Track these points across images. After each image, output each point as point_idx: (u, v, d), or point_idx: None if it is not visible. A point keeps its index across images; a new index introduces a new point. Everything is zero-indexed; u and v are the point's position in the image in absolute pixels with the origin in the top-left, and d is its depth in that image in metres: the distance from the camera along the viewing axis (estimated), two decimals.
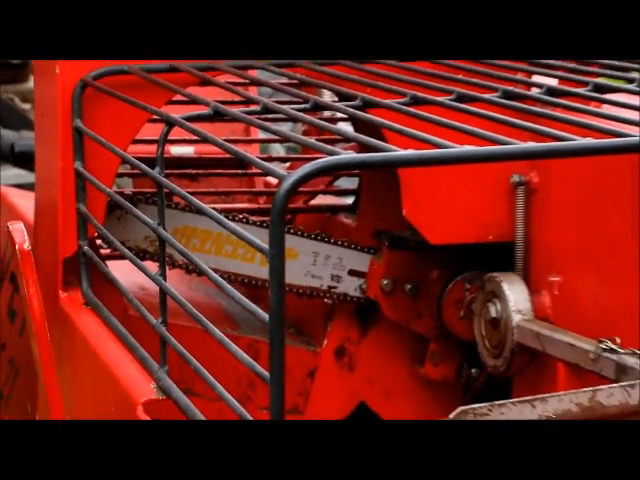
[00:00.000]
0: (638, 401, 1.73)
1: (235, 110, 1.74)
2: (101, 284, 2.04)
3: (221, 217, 1.48)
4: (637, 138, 1.38)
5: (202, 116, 1.73)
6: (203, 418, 1.60)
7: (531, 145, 1.33)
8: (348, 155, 1.29)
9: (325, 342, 2.37)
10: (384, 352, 2.38)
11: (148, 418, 1.64)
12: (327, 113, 2.64)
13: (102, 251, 2.27)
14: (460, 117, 1.60)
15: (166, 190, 1.69)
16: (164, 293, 1.71)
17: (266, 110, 1.72)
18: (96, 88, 2.01)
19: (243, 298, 1.40)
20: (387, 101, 1.72)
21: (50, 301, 2.08)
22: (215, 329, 1.51)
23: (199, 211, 1.55)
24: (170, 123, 1.70)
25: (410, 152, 1.29)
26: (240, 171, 2.59)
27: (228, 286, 1.46)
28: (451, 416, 1.85)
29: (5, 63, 4.67)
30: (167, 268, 2.32)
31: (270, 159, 2.61)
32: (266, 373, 1.33)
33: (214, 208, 2.27)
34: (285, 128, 2.07)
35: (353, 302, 2.31)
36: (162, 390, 1.68)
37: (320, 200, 2.60)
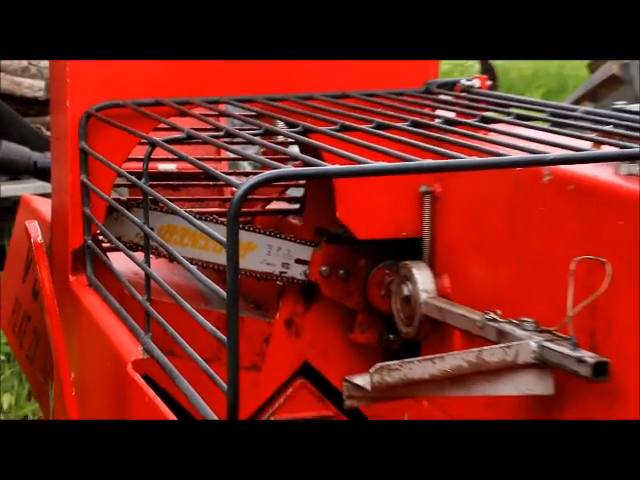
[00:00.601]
0: (512, 357, 1.75)
1: (204, 134, 1.74)
2: (102, 270, 2.04)
3: (189, 216, 1.47)
4: (510, 157, 1.39)
5: (178, 139, 1.72)
6: (179, 374, 1.60)
7: (427, 162, 1.34)
8: (287, 169, 1.30)
9: (277, 315, 2.36)
10: (323, 322, 2.38)
11: (137, 374, 1.63)
12: (281, 138, 2.63)
13: (104, 245, 2.26)
14: (379, 141, 1.61)
15: (151, 197, 1.69)
16: (148, 276, 1.70)
17: (228, 135, 1.72)
18: (98, 118, 2.00)
19: (206, 279, 1.40)
20: (322, 128, 1.72)
21: (62, 283, 2.07)
22: (185, 303, 1.50)
23: (175, 212, 1.55)
24: (153, 144, 1.69)
25: (334, 167, 1.29)
26: (212, 182, 2.58)
27: (195, 270, 1.46)
28: (371, 370, 1.86)
29: (33, 99, 4.62)
30: (154, 257, 2.33)
31: (234, 174, 2.61)
32: (224, 337, 1.33)
33: (190, 211, 2.28)
34: (251, 151, 2.08)
35: (299, 284, 2.31)
36: (147, 351, 1.68)
37: (274, 205, 2.60)
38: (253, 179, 1.27)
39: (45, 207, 2.51)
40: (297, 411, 2.38)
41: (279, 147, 1.65)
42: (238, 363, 1.32)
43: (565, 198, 1.77)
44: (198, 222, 1.41)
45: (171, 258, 2.16)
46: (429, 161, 1.34)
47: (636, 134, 1.61)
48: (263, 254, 2.24)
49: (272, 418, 2.38)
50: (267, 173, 1.27)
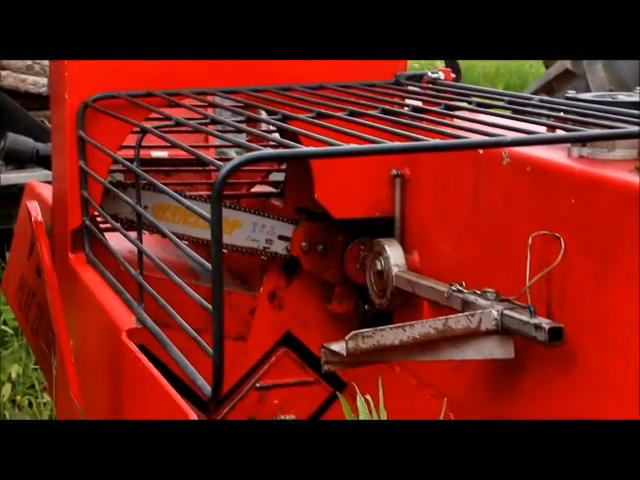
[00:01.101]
0: (476, 325, 1.75)
1: (192, 122, 1.73)
2: (99, 248, 2.03)
3: (175, 194, 1.47)
4: (470, 140, 1.39)
5: (167, 126, 1.71)
6: (170, 342, 1.59)
7: (394, 144, 1.34)
8: (266, 151, 1.29)
9: (261, 289, 2.36)
10: (303, 295, 2.37)
11: (131, 342, 1.62)
12: (265, 126, 2.62)
13: (102, 225, 2.25)
14: (352, 127, 1.60)
15: (142, 178, 1.68)
16: (140, 252, 1.70)
17: (213, 122, 1.71)
18: (94, 109, 1.99)
19: (192, 252, 1.40)
20: (300, 115, 1.72)
21: (62, 260, 2.06)
22: (174, 275, 1.50)
23: (163, 191, 1.54)
24: (144, 131, 1.68)
25: (309, 149, 1.29)
26: (200, 168, 2.57)
27: (181, 243, 1.45)
28: (346, 338, 1.86)
29: (37, 95, 4.59)
30: (148, 235, 2.33)
31: (221, 159, 2.59)
32: (209, 306, 1.33)
33: (181, 192, 2.27)
34: (241, 138, 2.07)
35: (281, 259, 2.31)
36: (140, 321, 1.67)
37: (258, 189, 2.59)
38: (235, 160, 1.26)
39: (47, 192, 2.50)
40: (280, 377, 2.38)
41: (261, 133, 1.65)
42: (223, 330, 1.32)
43: (523, 179, 1.77)
44: (184, 200, 1.40)
45: (162, 234, 2.16)
46: (396, 143, 1.34)
47: (586, 119, 1.61)
48: (248, 231, 2.25)
49: (257, 384, 2.37)
50: (248, 155, 1.26)
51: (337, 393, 1.58)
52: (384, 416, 1.45)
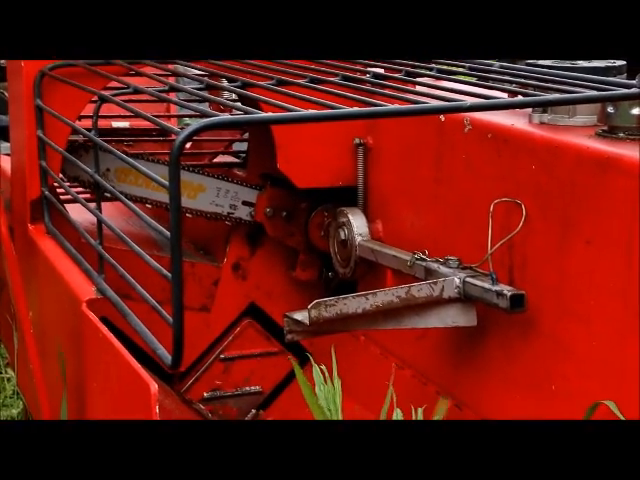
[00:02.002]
0: (438, 292, 1.76)
1: (150, 89, 1.71)
2: (61, 220, 2.01)
3: (132, 161, 1.46)
4: (429, 105, 1.39)
5: (125, 93, 1.69)
6: (130, 312, 1.59)
7: (353, 109, 1.33)
8: (223, 117, 1.28)
9: (225, 259, 2.36)
10: (267, 265, 2.37)
11: (91, 312, 1.61)
12: (228, 96, 2.60)
13: (64, 197, 2.23)
14: (313, 93, 1.59)
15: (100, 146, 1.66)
16: (99, 221, 1.68)
17: (172, 89, 1.69)
18: (51, 77, 1.96)
19: (149, 218, 1.39)
20: (260, 82, 1.70)
21: (22, 232, 2.04)
22: (133, 244, 1.49)
23: (119, 157, 1.53)
24: (102, 99, 1.66)
25: (267, 114, 1.28)
26: (162, 138, 2.56)
27: (139, 210, 1.44)
28: (309, 306, 1.87)
29: None
30: (110, 204, 2.31)
31: (182, 129, 2.57)
32: (169, 274, 1.32)
33: (145, 156, 2.25)
34: (203, 106, 2.05)
35: (246, 224, 2.30)
36: (100, 292, 1.66)
37: (220, 159, 2.58)
38: (192, 126, 1.25)
39: (6, 164, 2.47)
40: (245, 348, 2.39)
41: (222, 100, 1.64)
42: (182, 298, 1.31)
43: (484, 146, 1.78)
44: (141, 166, 1.39)
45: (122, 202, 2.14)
46: (354, 109, 1.34)
47: (546, 85, 1.61)
48: (212, 196, 2.24)
49: (221, 356, 2.38)
50: (205, 121, 1.25)
51: (290, 359, 1.58)
52: (338, 385, 1.45)
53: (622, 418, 1.42)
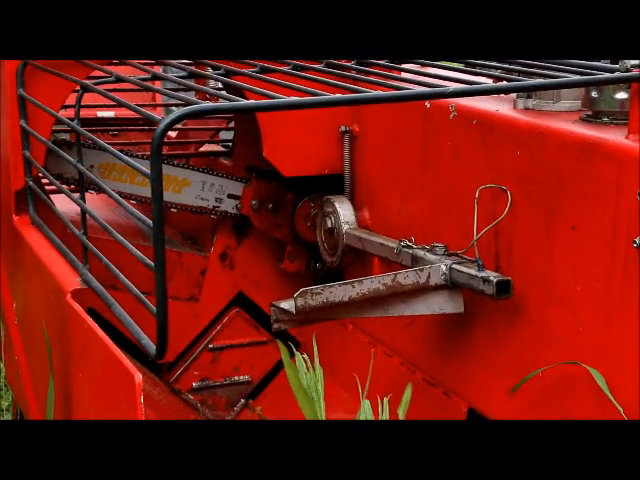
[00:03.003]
0: (425, 280, 1.76)
1: (132, 78, 1.71)
2: (46, 210, 2.01)
3: (116, 151, 1.45)
4: (412, 91, 1.39)
5: (108, 82, 1.69)
6: (115, 302, 1.58)
7: (336, 96, 1.33)
8: (205, 105, 1.28)
9: (212, 249, 2.36)
10: (255, 255, 2.38)
11: (75, 303, 1.61)
12: (213, 84, 2.60)
13: (49, 187, 2.23)
14: (297, 81, 1.58)
15: (84, 136, 1.65)
16: (83, 212, 1.68)
17: (155, 77, 1.69)
18: (34, 66, 1.96)
19: (133, 209, 1.39)
20: (243, 70, 1.70)
21: (6, 222, 2.04)
22: (117, 234, 1.49)
23: (103, 148, 1.52)
24: (84, 88, 1.66)
25: (249, 102, 1.28)
26: (147, 127, 2.55)
27: (122, 201, 1.44)
28: (295, 295, 1.87)
29: None
30: (94, 195, 2.30)
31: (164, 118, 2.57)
32: (152, 263, 1.32)
33: (128, 152, 2.25)
34: (188, 95, 2.04)
35: (232, 217, 2.30)
36: (85, 282, 1.66)
37: (207, 148, 2.58)
38: (173, 114, 1.25)
39: None
40: (233, 338, 2.39)
41: (205, 88, 1.63)
42: (166, 287, 1.31)
43: (470, 132, 1.78)
44: (123, 155, 1.39)
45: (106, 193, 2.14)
46: (337, 95, 1.34)
47: (530, 70, 1.62)
48: (197, 189, 2.24)
49: (210, 345, 2.38)
50: (186, 108, 1.25)
51: (279, 342, 1.58)
52: (320, 372, 1.46)
53: (610, 397, 1.42)
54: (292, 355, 1.70)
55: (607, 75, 1.49)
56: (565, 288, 1.58)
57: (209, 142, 2.56)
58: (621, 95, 1.57)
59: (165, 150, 2.63)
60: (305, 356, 1.46)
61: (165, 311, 1.32)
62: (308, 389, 1.44)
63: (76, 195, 1.85)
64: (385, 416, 1.48)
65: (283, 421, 1.30)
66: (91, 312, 1.86)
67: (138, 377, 1.30)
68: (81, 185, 1.71)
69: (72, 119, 1.73)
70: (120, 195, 2.19)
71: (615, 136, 1.50)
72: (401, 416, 1.50)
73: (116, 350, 1.40)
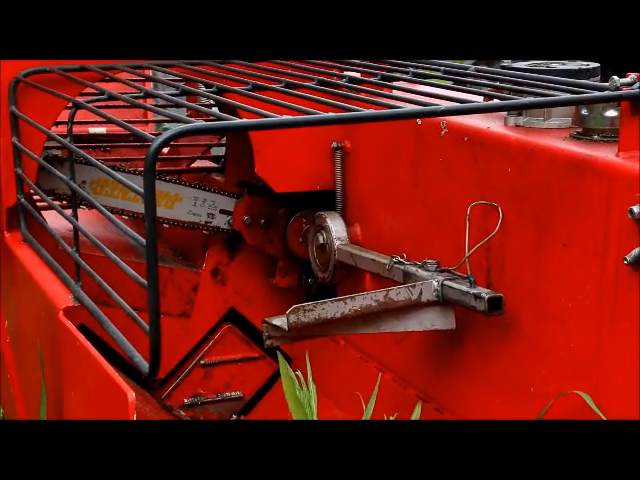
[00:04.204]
0: (417, 296, 1.77)
1: (124, 95, 1.71)
2: (37, 227, 2.01)
3: (107, 168, 1.46)
4: (404, 109, 1.40)
5: (100, 100, 1.69)
6: (107, 319, 1.58)
7: (328, 115, 1.34)
8: (198, 124, 1.29)
9: (204, 265, 2.36)
10: (247, 270, 2.38)
11: (68, 320, 1.61)
12: (205, 102, 2.60)
13: (40, 203, 2.23)
14: (289, 99, 1.59)
15: (76, 153, 1.66)
16: (75, 228, 1.69)
17: (147, 95, 1.69)
18: (26, 83, 1.96)
19: (124, 225, 1.39)
20: (236, 88, 1.71)
21: None
22: (108, 251, 1.49)
23: (95, 165, 1.53)
24: (76, 105, 1.67)
25: (239, 120, 1.29)
26: (139, 144, 2.56)
27: (113, 217, 1.44)
28: (288, 311, 1.87)
29: None
30: (87, 210, 2.31)
31: (159, 134, 2.57)
32: (144, 281, 1.33)
33: (120, 168, 2.26)
34: (181, 113, 2.05)
35: (224, 233, 2.31)
36: (77, 299, 1.66)
37: (198, 164, 2.58)
38: (167, 133, 1.26)
39: None
40: (225, 354, 2.39)
41: (197, 106, 1.64)
42: (159, 305, 1.32)
43: (461, 149, 1.79)
44: (115, 173, 1.40)
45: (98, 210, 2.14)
46: (330, 114, 1.35)
47: (521, 88, 1.63)
48: (189, 205, 2.25)
49: (202, 361, 2.38)
50: (180, 127, 1.26)
51: (278, 353, 1.58)
52: (313, 389, 1.46)
53: (599, 412, 1.43)
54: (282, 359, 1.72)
55: (597, 93, 1.51)
56: (556, 304, 1.59)
57: (201, 158, 2.57)
58: (611, 113, 1.59)
59: (157, 166, 2.64)
60: (298, 373, 1.47)
61: (158, 329, 1.32)
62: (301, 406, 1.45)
63: (68, 211, 1.86)
64: None
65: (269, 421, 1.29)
66: (83, 329, 1.86)
67: (131, 395, 1.30)
68: (73, 202, 1.71)
69: (64, 136, 1.73)
70: (112, 211, 2.20)
71: (605, 153, 1.51)
72: None
73: (109, 368, 1.41)
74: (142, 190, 1.27)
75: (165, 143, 1.25)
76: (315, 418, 1.52)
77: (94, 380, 1.48)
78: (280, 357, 1.60)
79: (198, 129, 1.28)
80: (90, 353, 1.49)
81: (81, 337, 1.53)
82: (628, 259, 1.42)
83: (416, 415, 1.49)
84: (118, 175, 1.38)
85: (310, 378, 1.47)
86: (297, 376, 1.46)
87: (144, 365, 1.37)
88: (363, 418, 1.58)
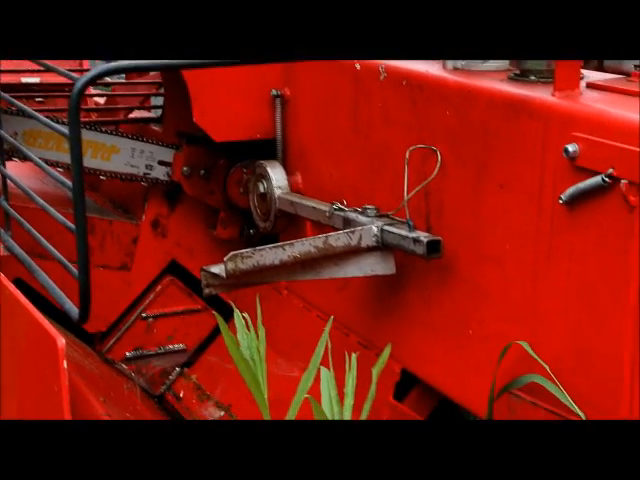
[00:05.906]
0: (356, 241, 1.75)
1: None
2: None
3: (36, 114, 1.42)
4: None
5: None
6: (38, 268, 1.55)
7: None
8: (123, 62, 1.25)
9: (144, 217, 2.33)
10: (188, 222, 2.36)
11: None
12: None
13: None
14: None
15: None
16: (4, 177, 1.64)
17: None
18: None
19: (53, 171, 1.36)
20: None
21: None
22: (40, 200, 1.46)
23: (23, 111, 1.49)
24: None
25: (164, 61, 1.25)
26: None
27: (45, 165, 1.41)
28: (225, 259, 1.85)
29: None
30: (20, 162, 2.25)
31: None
32: (72, 225, 1.30)
33: (54, 118, 2.20)
34: None
35: (163, 184, 2.27)
36: (7, 249, 1.63)
37: (136, 114, 2.54)
38: (91, 71, 1.22)
39: None
40: (167, 306, 2.37)
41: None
42: (87, 250, 1.29)
43: (400, 93, 1.77)
44: (43, 118, 1.36)
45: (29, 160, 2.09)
46: None
47: None
48: (127, 156, 2.20)
49: (143, 314, 2.35)
50: (102, 66, 1.22)
51: (214, 313, 1.55)
52: (262, 333, 1.44)
53: (537, 358, 1.44)
54: (228, 320, 1.68)
55: None
56: (494, 246, 1.58)
57: (139, 108, 2.52)
58: None
59: (94, 117, 2.59)
60: (246, 315, 1.44)
61: (87, 274, 1.30)
62: (249, 351, 1.42)
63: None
64: (332, 385, 1.46)
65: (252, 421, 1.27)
66: (19, 283, 1.82)
67: (61, 341, 1.28)
68: (1, 151, 1.67)
69: None
70: (47, 163, 2.14)
71: (541, 94, 1.50)
72: (350, 384, 1.48)
73: (39, 315, 1.38)
74: (67, 131, 1.24)
75: (92, 81, 1.22)
76: (263, 364, 1.49)
77: (25, 329, 1.45)
78: (218, 316, 1.55)
79: (125, 67, 1.24)
80: (20, 302, 1.46)
81: (11, 286, 1.50)
82: (563, 198, 1.42)
83: (353, 368, 1.48)
84: (43, 118, 1.34)
85: (260, 321, 1.44)
86: (244, 318, 1.43)
87: (74, 311, 1.34)
88: (310, 368, 1.54)
